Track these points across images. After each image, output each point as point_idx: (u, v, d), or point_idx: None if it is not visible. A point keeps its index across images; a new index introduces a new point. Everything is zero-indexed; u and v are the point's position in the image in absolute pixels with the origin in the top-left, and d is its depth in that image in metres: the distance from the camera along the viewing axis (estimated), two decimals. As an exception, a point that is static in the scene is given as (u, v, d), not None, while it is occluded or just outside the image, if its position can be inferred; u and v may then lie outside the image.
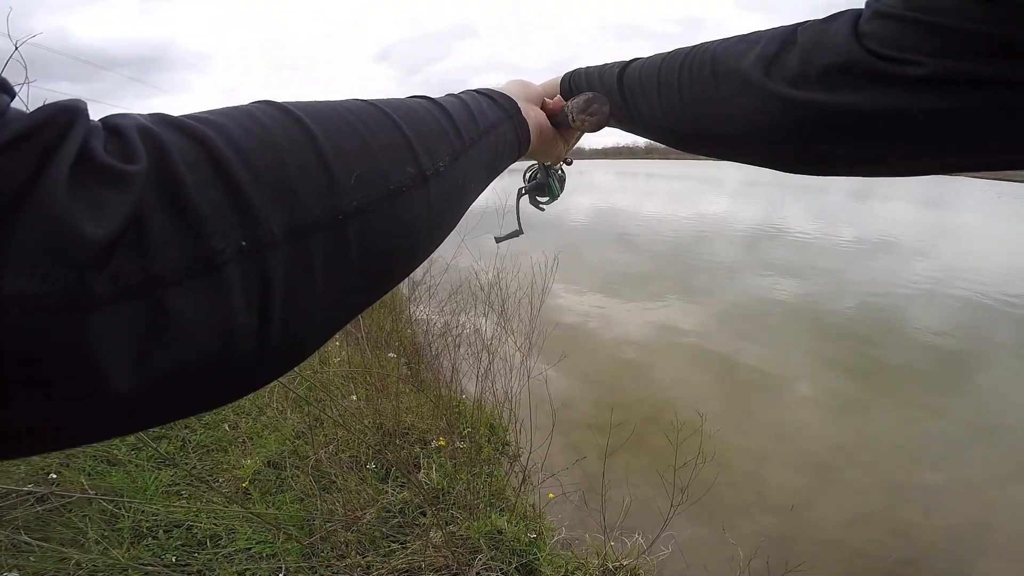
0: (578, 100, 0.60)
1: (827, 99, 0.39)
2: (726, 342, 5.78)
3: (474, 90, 0.54)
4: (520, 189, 0.89)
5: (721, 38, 0.51)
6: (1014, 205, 28.17)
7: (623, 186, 33.90)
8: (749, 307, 7.05)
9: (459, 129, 0.42)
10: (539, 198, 0.89)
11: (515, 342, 3.92)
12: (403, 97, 0.43)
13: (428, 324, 4.50)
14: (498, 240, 0.93)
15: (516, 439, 3.19)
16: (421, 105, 0.41)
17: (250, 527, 2.00)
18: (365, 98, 0.38)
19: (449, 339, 3.99)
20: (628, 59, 0.60)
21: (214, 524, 2.06)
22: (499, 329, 4.03)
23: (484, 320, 4.29)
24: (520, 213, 0.88)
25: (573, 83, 0.66)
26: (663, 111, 0.54)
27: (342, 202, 0.29)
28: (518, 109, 0.55)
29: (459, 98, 0.48)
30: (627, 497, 2.83)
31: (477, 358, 3.59)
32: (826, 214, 19.20)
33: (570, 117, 0.60)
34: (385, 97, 0.41)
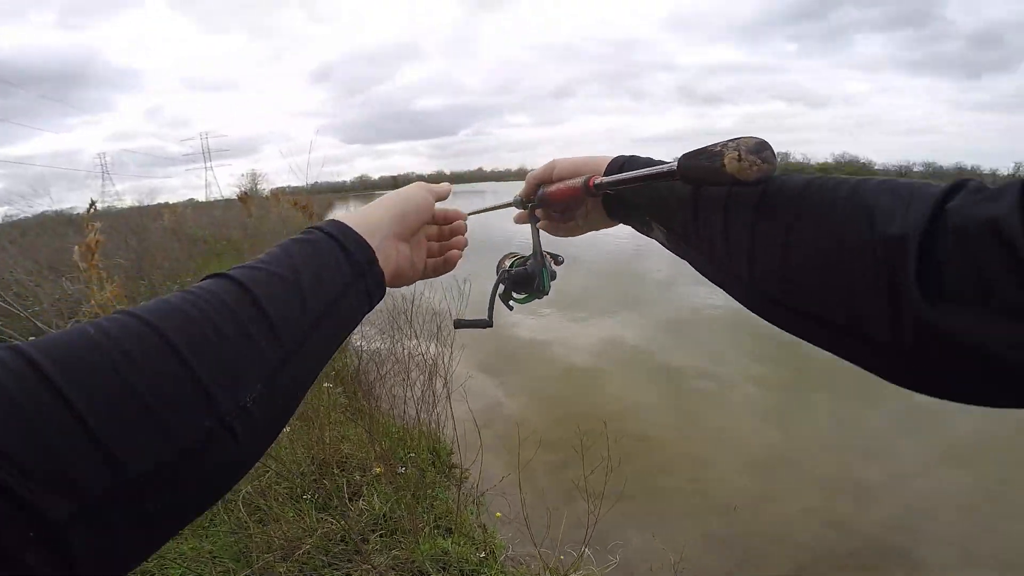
0: (742, 140, 0.42)
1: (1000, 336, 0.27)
2: (668, 352, 6.01)
3: (329, 230, 0.45)
4: (498, 279, 0.73)
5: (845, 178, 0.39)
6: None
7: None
8: (687, 317, 7.37)
9: (277, 334, 0.34)
10: (515, 293, 0.72)
11: (454, 365, 3.90)
12: (205, 287, 0.35)
13: (366, 350, 4.41)
14: (458, 325, 0.78)
15: (461, 461, 3.18)
16: (225, 308, 0.33)
17: (183, 564, 1.85)
18: (151, 312, 0.31)
19: (386, 366, 3.95)
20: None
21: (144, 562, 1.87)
22: (443, 352, 4.00)
23: (427, 344, 4.24)
24: (495, 302, 0.72)
25: (629, 167, 0.54)
26: (751, 257, 0.41)
27: (126, 473, 0.26)
28: (374, 260, 0.46)
29: (290, 270, 0.39)
30: (559, 509, 2.83)
31: (411, 383, 3.57)
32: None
33: (734, 157, 0.41)
34: (191, 295, 0.33)
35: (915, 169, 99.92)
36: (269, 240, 8.08)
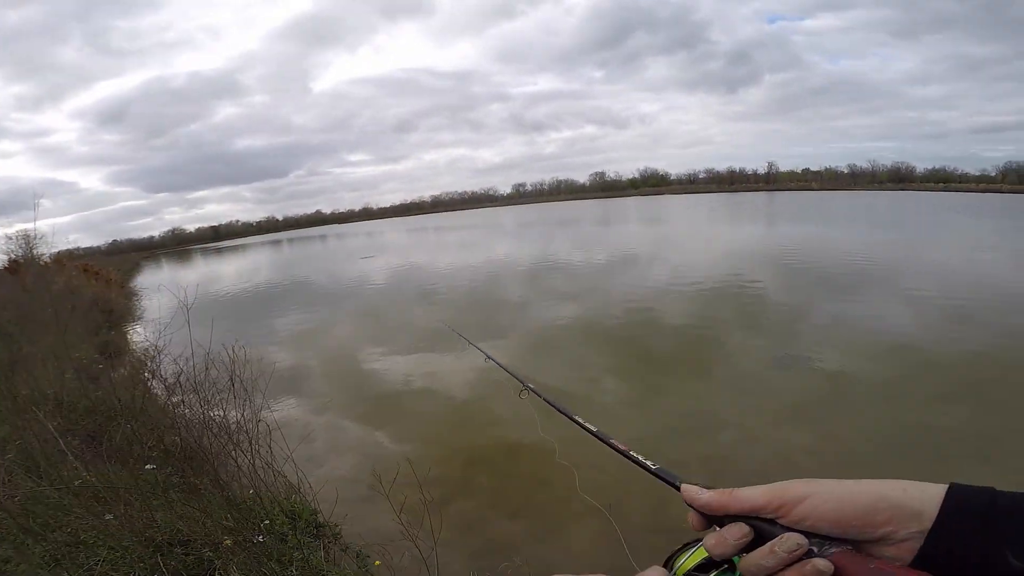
0: None
1: None
2: (534, 370, 6.48)
3: None
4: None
5: None
6: (703, 212, 38.24)
7: (416, 242, 34.89)
8: (545, 333, 8.02)
9: None
10: None
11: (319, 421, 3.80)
12: None
13: (198, 422, 4.08)
14: None
15: (329, 517, 3.14)
16: None
17: None
18: None
19: (223, 437, 3.73)
20: None
21: None
22: (294, 412, 3.86)
23: (260, 409, 4.10)
24: None
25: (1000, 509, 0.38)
26: None
27: None
28: None
29: None
30: (455, 540, 2.97)
31: (255, 450, 3.45)
32: (584, 243, 23.01)
33: None
34: None
35: (700, 176, 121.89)
36: (51, 321, 6.68)
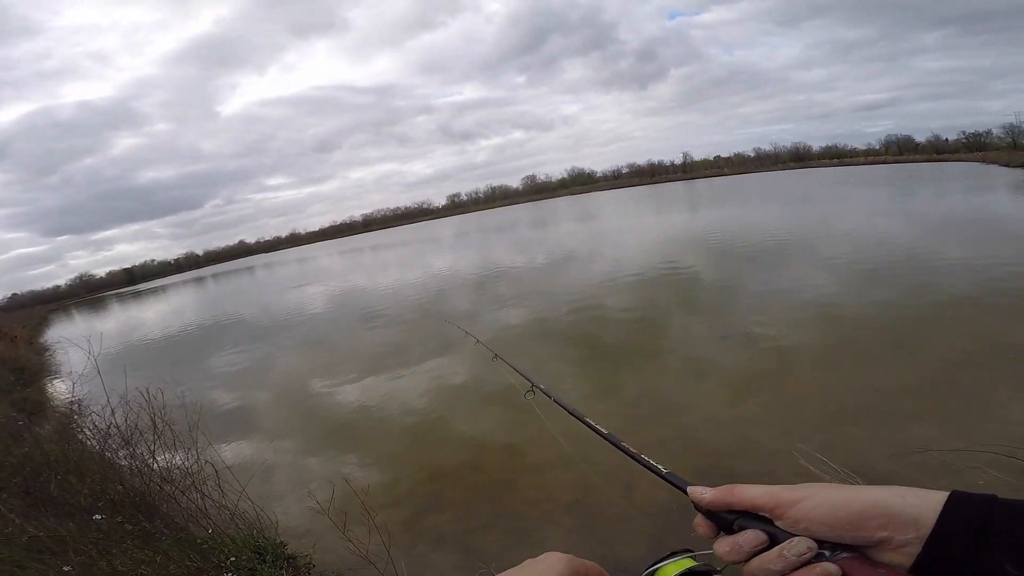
0: None
1: None
2: (492, 379, 6.47)
3: None
4: None
5: None
6: (630, 205, 39.85)
7: (352, 264, 33.82)
8: (499, 341, 8.04)
9: None
10: None
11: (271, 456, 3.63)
12: None
13: (145, 470, 3.88)
14: None
15: (297, 549, 3.08)
16: None
17: None
18: None
19: (175, 481, 3.61)
20: None
21: None
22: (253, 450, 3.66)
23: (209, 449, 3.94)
24: None
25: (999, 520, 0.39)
26: None
27: None
28: None
29: None
30: (426, 555, 2.92)
31: (206, 492, 3.36)
32: (523, 247, 23.33)
33: None
34: None
35: (623, 172, 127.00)
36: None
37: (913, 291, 7.11)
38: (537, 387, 1.38)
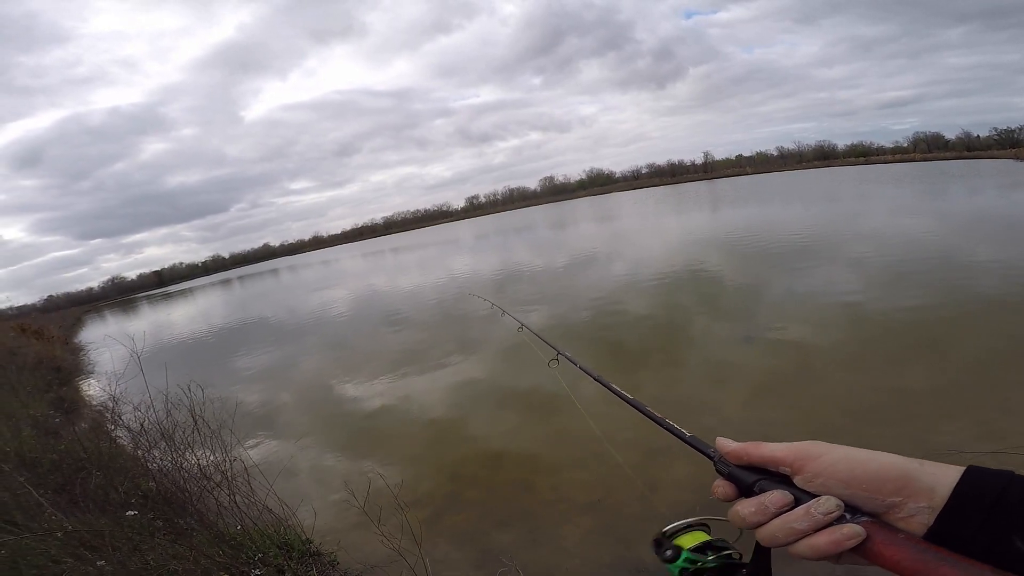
0: None
1: None
2: (513, 380, 6.52)
3: None
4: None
5: None
6: (651, 206, 39.45)
7: (374, 266, 34.20)
8: (514, 342, 8.06)
9: None
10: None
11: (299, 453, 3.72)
12: None
13: (175, 468, 4.01)
14: None
15: (322, 546, 3.14)
16: None
17: None
18: None
19: (203, 478, 3.73)
20: None
21: None
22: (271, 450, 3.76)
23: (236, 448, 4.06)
24: None
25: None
26: None
27: None
28: None
29: None
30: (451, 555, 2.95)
31: (235, 488, 3.46)
32: (543, 248, 23.30)
33: None
34: None
35: (643, 171, 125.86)
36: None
37: (943, 292, 6.91)
38: (563, 354, 1.43)
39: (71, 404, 8.09)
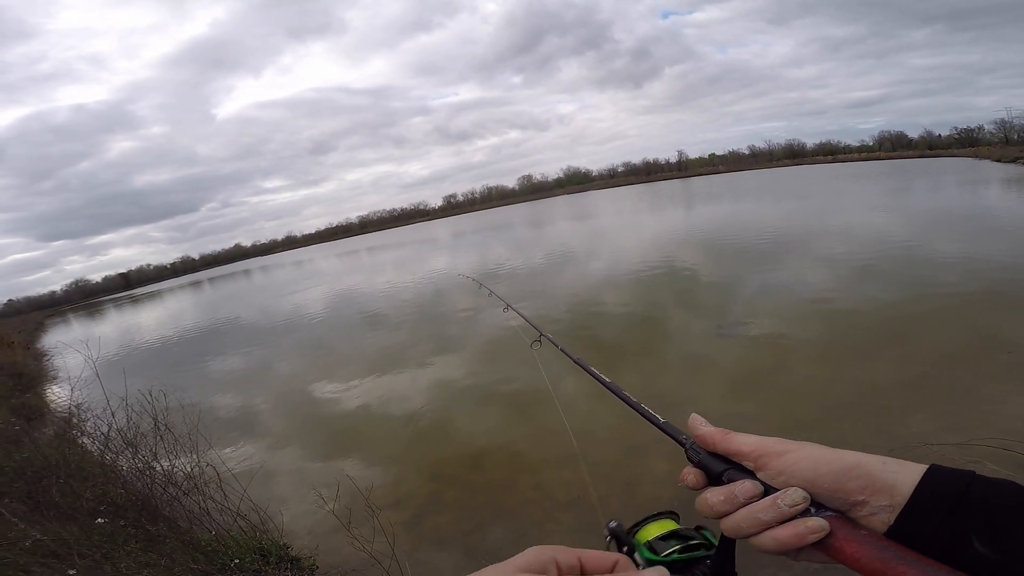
0: None
1: None
2: (495, 379, 6.48)
3: None
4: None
5: None
6: (627, 204, 39.90)
7: (349, 266, 33.69)
8: (498, 341, 8.04)
9: None
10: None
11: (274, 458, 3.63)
12: None
13: (147, 474, 3.90)
14: None
15: (299, 551, 3.10)
16: None
17: None
18: None
19: (174, 485, 3.63)
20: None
21: None
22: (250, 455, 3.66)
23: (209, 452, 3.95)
24: None
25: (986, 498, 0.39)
26: None
27: None
28: None
29: None
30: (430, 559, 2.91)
31: (207, 495, 3.37)
32: (521, 246, 23.32)
33: None
34: None
35: (619, 170, 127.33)
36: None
37: (909, 287, 7.15)
38: (545, 336, 1.42)
39: (34, 411, 7.80)
